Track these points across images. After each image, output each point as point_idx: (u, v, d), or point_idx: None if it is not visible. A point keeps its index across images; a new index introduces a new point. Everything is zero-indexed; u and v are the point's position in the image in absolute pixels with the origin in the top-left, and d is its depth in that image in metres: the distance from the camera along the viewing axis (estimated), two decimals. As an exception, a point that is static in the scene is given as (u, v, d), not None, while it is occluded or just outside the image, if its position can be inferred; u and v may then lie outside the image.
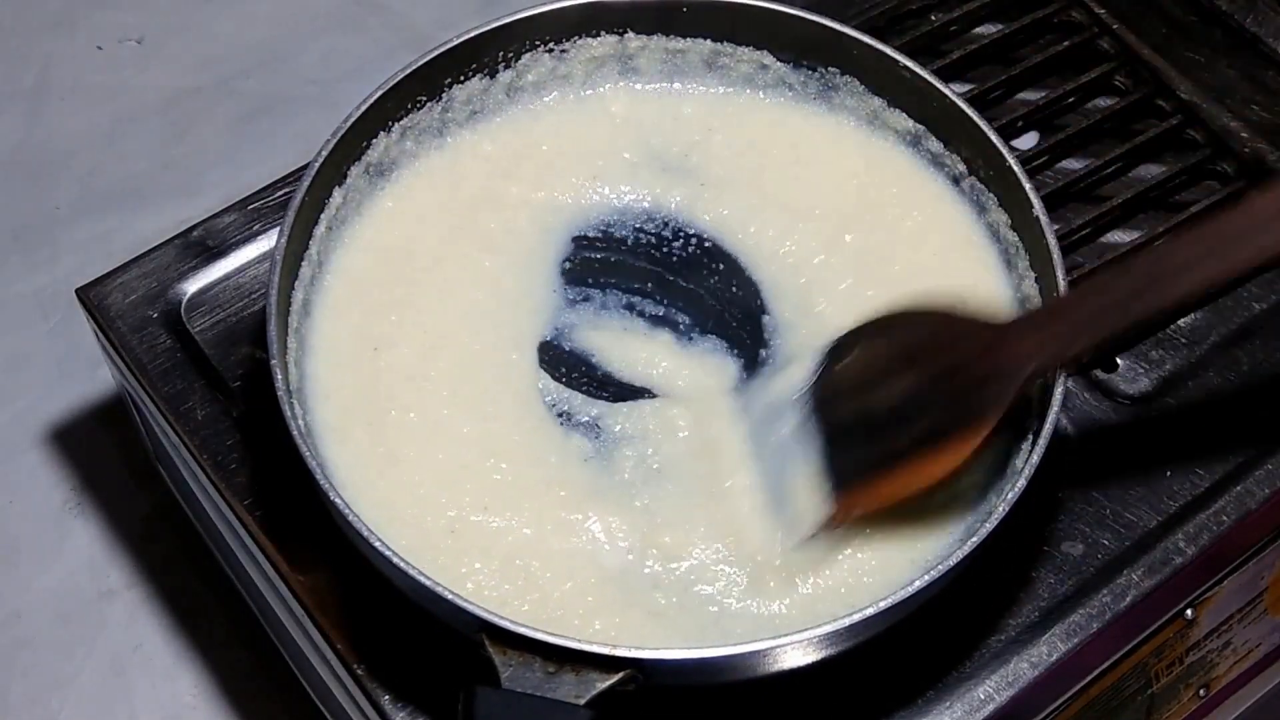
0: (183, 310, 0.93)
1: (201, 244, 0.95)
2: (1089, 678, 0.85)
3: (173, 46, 1.30)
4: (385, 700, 0.80)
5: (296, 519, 0.84)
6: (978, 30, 1.04)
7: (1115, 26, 1.02)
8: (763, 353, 0.88)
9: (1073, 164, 0.98)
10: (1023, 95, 1.01)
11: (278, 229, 0.83)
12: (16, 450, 1.10)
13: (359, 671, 0.81)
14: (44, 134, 1.25)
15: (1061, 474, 0.86)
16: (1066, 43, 1.02)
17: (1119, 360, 0.91)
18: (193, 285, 0.94)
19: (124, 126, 1.25)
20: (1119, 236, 0.95)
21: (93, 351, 0.99)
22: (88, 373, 1.11)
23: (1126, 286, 0.74)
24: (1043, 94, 1.00)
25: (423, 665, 0.81)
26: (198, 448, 0.88)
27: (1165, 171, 0.97)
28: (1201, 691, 0.93)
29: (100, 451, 1.10)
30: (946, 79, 0.90)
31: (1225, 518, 0.85)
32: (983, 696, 0.81)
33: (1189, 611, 0.88)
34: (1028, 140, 0.99)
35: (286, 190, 0.96)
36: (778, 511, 0.80)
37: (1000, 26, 1.03)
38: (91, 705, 1.00)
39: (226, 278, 0.94)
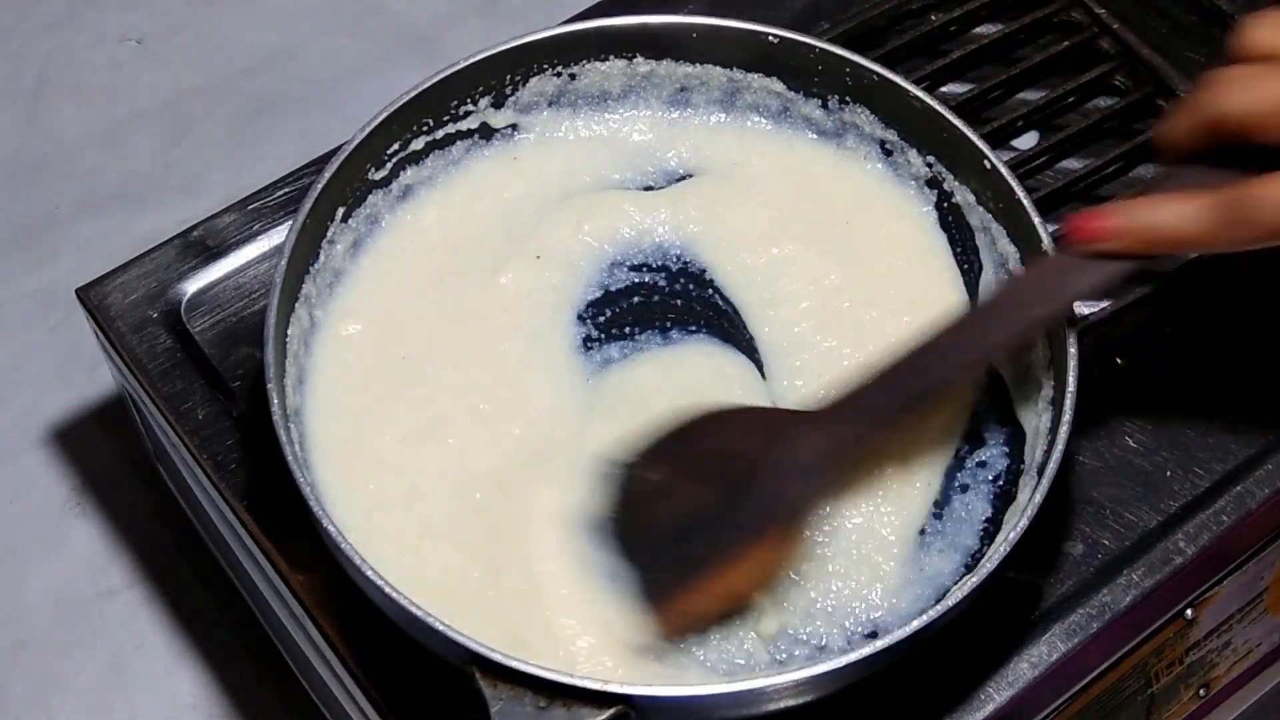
0: (183, 310, 0.93)
1: (201, 244, 0.95)
2: (1089, 678, 0.85)
3: (173, 46, 1.30)
4: (385, 700, 0.80)
5: (296, 519, 0.84)
6: (978, 30, 1.04)
7: (1115, 26, 1.02)
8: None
9: (1073, 164, 0.98)
10: (1023, 95, 1.01)
11: (279, 257, 0.82)
12: (16, 450, 1.10)
13: (359, 671, 0.81)
14: (44, 134, 1.25)
15: (1061, 474, 0.86)
16: (1066, 43, 1.02)
17: (1119, 360, 0.91)
18: (193, 285, 0.94)
19: (124, 126, 1.25)
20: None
21: (93, 351, 0.98)
22: (88, 373, 1.11)
23: (904, 372, 0.79)
24: (1043, 94, 1.00)
25: (423, 665, 0.80)
26: (198, 448, 0.88)
27: (1164, 171, 0.97)
28: (1201, 691, 0.93)
29: (100, 451, 1.10)
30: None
31: (1225, 518, 0.85)
32: (983, 697, 0.80)
33: (1189, 611, 0.88)
34: (1028, 140, 0.99)
35: (287, 190, 0.96)
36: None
37: (1000, 26, 1.03)
38: (91, 705, 1.00)
39: (226, 278, 0.94)
